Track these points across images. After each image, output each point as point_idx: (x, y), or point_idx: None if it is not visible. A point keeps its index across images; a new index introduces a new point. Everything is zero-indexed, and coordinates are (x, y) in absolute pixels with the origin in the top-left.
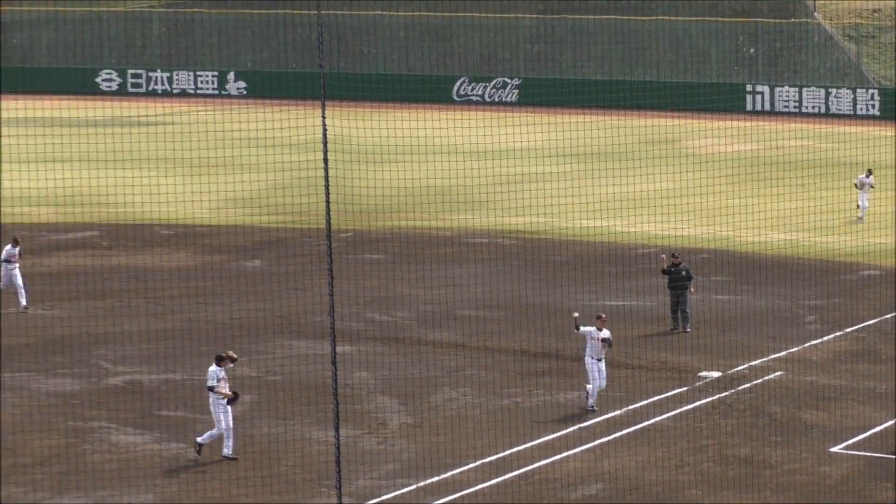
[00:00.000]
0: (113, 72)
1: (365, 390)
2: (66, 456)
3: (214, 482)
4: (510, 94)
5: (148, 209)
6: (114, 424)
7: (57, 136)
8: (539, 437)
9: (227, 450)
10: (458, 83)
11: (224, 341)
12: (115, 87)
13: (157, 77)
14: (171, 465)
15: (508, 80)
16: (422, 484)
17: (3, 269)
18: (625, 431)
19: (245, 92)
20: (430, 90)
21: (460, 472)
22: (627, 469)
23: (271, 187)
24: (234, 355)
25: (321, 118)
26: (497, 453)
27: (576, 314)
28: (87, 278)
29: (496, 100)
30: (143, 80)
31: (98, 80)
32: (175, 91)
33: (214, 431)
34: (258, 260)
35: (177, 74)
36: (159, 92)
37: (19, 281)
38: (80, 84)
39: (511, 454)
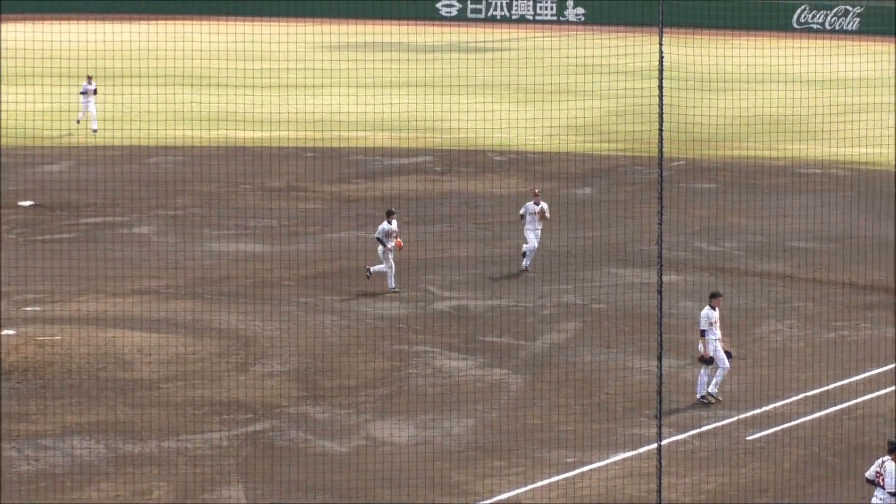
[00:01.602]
0: None
1: (690, 320)
2: (390, 379)
3: (535, 409)
4: (851, 23)
5: (482, 135)
6: (438, 349)
7: (395, 62)
8: (864, 372)
9: (714, 387)
10: (798, 10)
11: (551, 268)
12: (454, 12)
13: (496, 3)
14: (493, 390)
15: (850, 8)
16: (742, 416)
17: (381, 249)
18: None
19: (583, 18)
20: (769, 17)
21: (782, 405)
22: None
23: (605, 114)
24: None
25: (658, 45)
26: (820, 387)
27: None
28: (418, 203)
29: (836, 28)
30: (482, 6)
31: (438, 5)
32: (514, 17)
33: (703, 375)
34: (589, 187)
35: (517, 1)
36: (498, 18)
37: (391, 262)
38: (420, 10)
39: (835, 388)
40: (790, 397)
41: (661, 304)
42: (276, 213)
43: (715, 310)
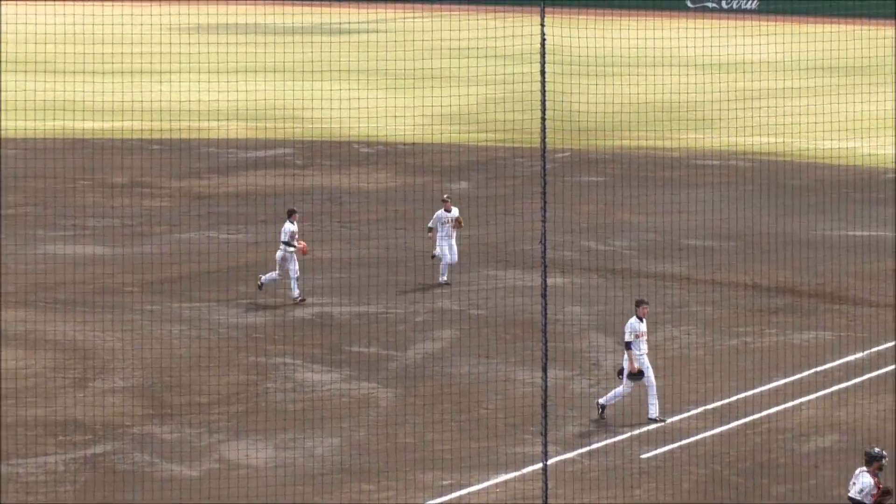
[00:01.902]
0: None
1: (577, 327)
2: (246, 395)
3: (408, 426)
4: (750, 2)
5: (347, 125)
6: (299, 361)
7: (251, 45)
8: (770, 382)
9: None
10: None
11: (425, 270)
12: None
13: None
14: (360, 406)
15: None
16: (636, 432)
17: (282, 252)
18: (866, 377)
19: None
20: None
21: (680, 420)
22: (867, 419)
23: (482, 102)
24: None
25: (540, 26)
26: (722, 399)
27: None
28: (277, 200)
29: (734, 7)
30: None
31: None
32: None
33: (620, 390)
34: (465, 182)
35: None
36: None
37: (295, 267)
38: None
39: (738, 400)
40: (688, 411)
41: (545, 309)
42: (118, 212)
43: (642, 321)
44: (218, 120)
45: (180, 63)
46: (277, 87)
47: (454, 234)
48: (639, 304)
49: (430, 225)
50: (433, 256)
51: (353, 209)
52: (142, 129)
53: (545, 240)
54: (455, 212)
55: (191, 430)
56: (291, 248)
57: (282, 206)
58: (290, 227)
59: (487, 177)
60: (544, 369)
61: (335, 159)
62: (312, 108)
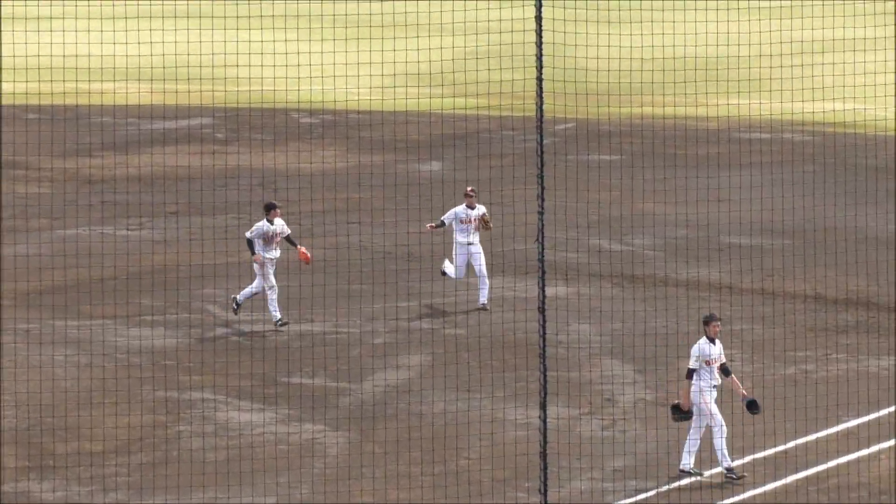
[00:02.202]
0: None
1: (586, 351)
2: (152, 441)
3: (364, 480)
4: None
5: (283, 87)
6: (222, 395)
7: None
8: (838, 424)
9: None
10: None
11: (385, 277)
12: None
13: None
14: (303, 454)
15: None
16: (664, 489)
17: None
18: None
19: None
20: None
21: (720, 472)
22: None
23: (461, 58)
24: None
25: None
26: (776, 445)
27: None
28: (193, 185)
29: None
30: None
31: None
32: None
33: (718, 433)
34: (438, 161)
35: None
36: None
37: (269, 283)
38: None
39: (796, 447)
40: (733, 460)
41: (544, 327)
42: None
43: (714, 342)
44: (114, 80)
45: (63, 5)
46: (192, 37)
47: (477, 238)
48: (708, 320)
49: (442, 219)
50: (443, 273)
51: (291, 197)
52: (14, 93)
53: (543, 237)
54: (480, 209)
55: (80, 487)
56: (273, 256)
57: (198, 192)
58: (265, 227)
59: (467, 155)
60: (543, 406)
61: (268, 132)
62: (238, 66)
